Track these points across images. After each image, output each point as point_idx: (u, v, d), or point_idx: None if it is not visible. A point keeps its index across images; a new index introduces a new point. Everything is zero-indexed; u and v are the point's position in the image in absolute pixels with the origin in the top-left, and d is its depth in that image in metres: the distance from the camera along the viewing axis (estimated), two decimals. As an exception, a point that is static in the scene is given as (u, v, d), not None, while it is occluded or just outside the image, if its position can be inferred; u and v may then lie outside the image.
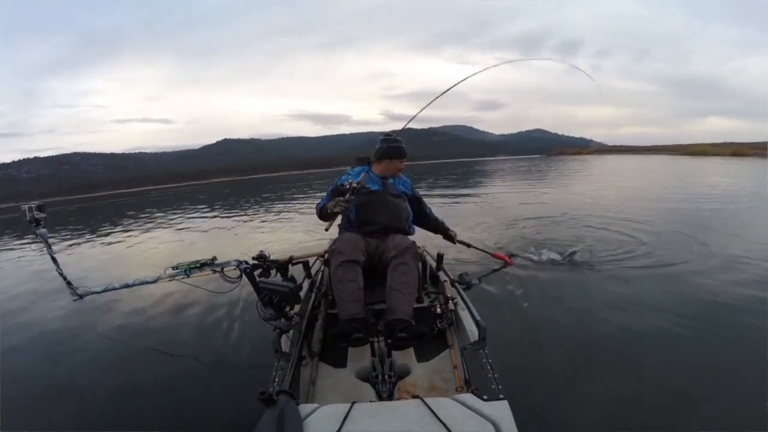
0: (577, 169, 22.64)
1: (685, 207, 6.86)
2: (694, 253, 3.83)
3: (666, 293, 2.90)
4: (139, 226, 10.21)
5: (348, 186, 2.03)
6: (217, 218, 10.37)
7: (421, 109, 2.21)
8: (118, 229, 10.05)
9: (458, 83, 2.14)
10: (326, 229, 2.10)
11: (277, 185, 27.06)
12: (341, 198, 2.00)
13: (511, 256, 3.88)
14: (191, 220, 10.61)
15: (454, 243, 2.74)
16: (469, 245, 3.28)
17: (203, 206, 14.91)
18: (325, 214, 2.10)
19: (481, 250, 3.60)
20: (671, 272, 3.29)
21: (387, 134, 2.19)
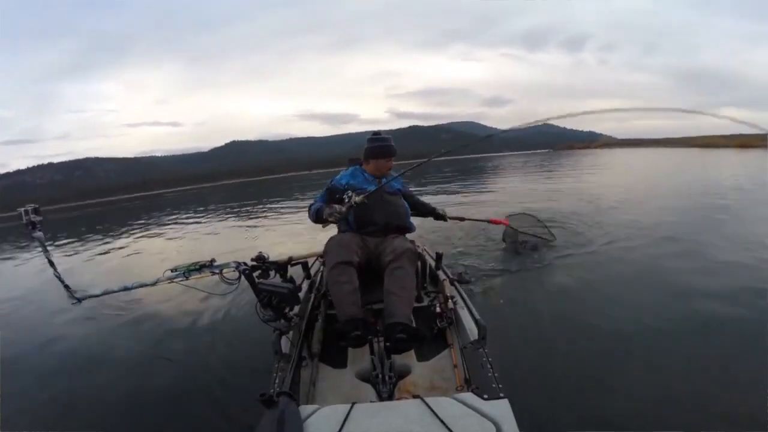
0: (579, 166, 22.20)
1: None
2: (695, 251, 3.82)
3: (669, 293, 2.89)
4: (146, 230, 10.36)
5: (345, 194, 2.02)
6: (220, 221, 10.48)
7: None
8: (132, 233, 10.22)
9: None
10: (323, 226, 2.02)
11: (284, 186, 27.18)
12: (337, 210, 1.88)
13: (508, 216, 3.81)
14: (198, 223, 10.75)
15: (446, 221, 2.58)
16: (462, 218, 3.07)
17: (210, 209, 15.06)
18: (319, 219, 2.02)
19: (477, 219, 3.44)
20: (675, 269, 3.31)
21: (375, 133, 2.17)
